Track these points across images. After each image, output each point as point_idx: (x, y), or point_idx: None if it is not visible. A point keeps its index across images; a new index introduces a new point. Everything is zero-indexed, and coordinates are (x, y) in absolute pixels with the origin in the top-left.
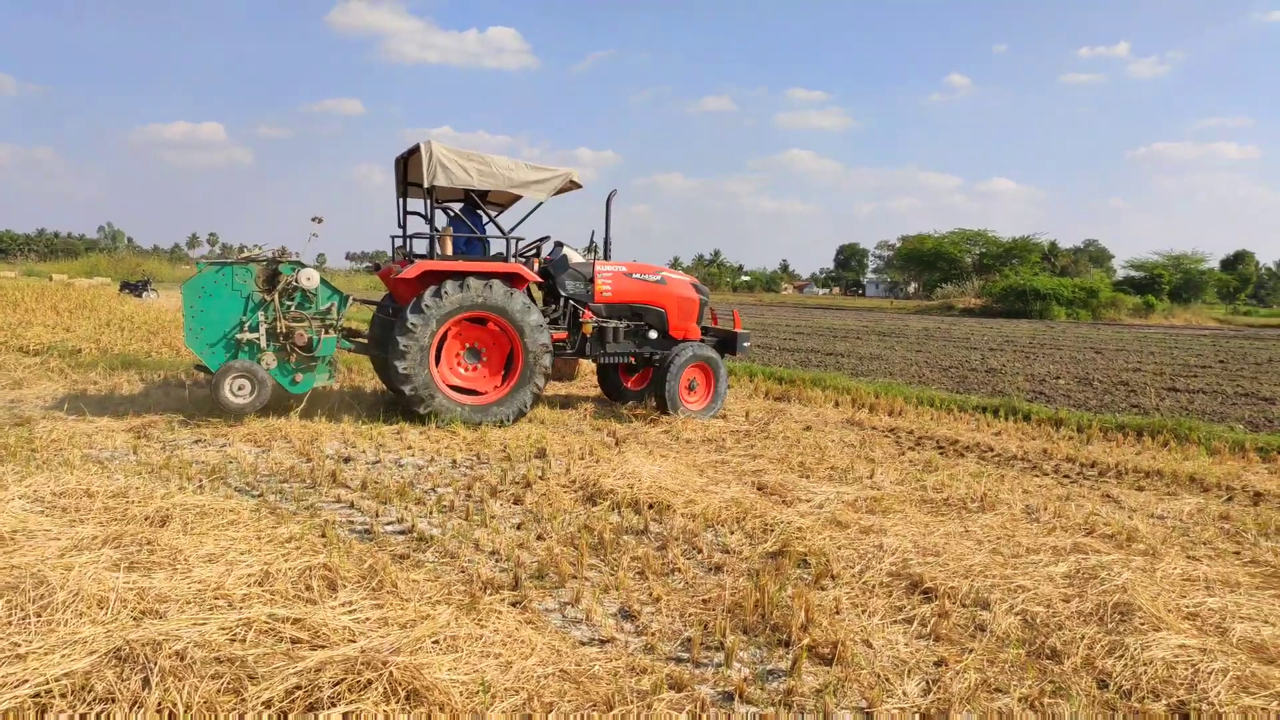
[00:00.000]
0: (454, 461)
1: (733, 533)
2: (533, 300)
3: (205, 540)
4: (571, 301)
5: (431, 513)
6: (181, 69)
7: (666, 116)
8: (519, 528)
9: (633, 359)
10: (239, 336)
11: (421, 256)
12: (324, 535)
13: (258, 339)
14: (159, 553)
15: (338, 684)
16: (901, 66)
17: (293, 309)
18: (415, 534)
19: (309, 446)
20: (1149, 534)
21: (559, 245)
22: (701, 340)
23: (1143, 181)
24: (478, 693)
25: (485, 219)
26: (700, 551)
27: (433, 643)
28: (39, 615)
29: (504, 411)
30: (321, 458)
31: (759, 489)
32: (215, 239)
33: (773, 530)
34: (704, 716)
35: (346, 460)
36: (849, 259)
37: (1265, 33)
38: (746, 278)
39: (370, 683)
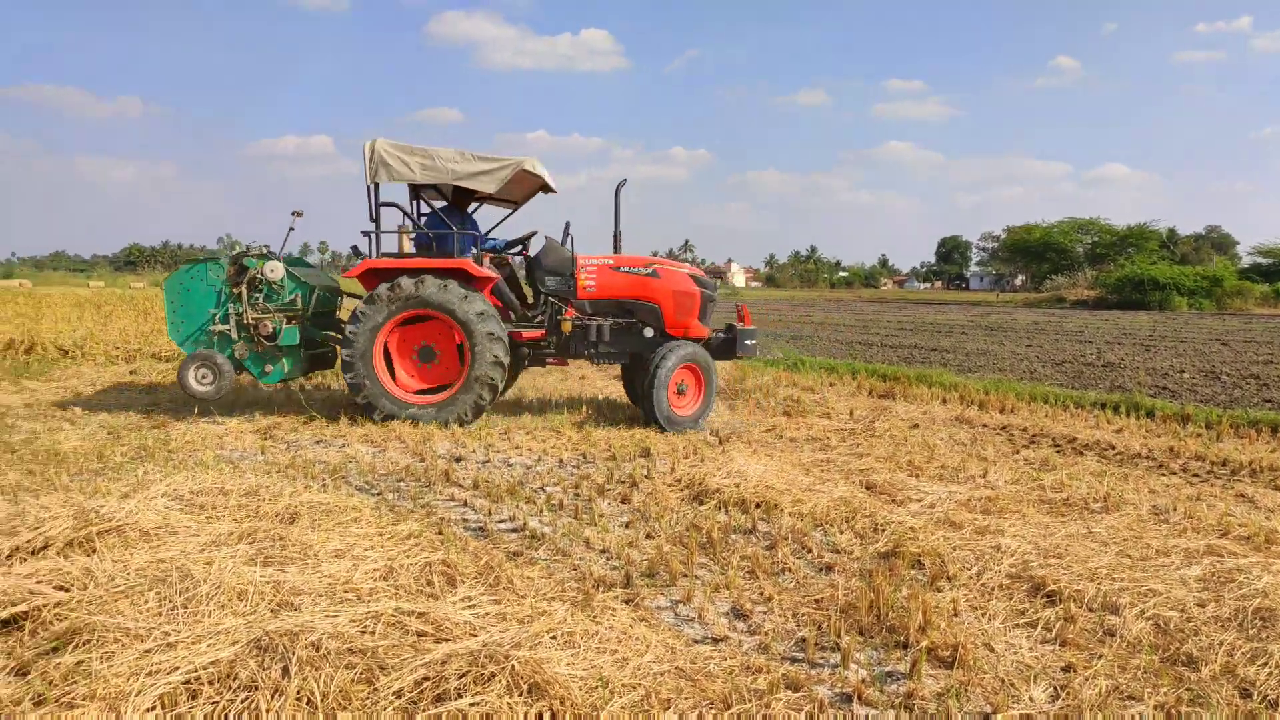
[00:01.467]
0: (560, 461)
1: (842, 532)
2: (523, 297)
3: (332, 536)
4: (552, 299)
5: (542, 511)
6: (291, 86)
7: (760, 112)
8: (627, 526)
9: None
10: (212, 329)
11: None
12: (441, 532)
13: (229, 330)
14: (290, 548)
15: (463, 676)
16: (1004, 52)
17: (260, 301)
18: (527, 532)
19: (422, 447)
20: None
21: (548, 240)
22: (706, 339)
23: (1269, 162)
24: (596, 688)
25: (458, 215)
26: (810, 551)
27: (550, 638)
28: (185, 606)
29: (457, 409)
30: (434, 457)
31: (867, 488)
32: (325, 246)
33: (884, 530)
34: (822, 717)
35: (458, 460)
36: (951, 252)
37: None
38: (844, 273)
39: (494, 676)
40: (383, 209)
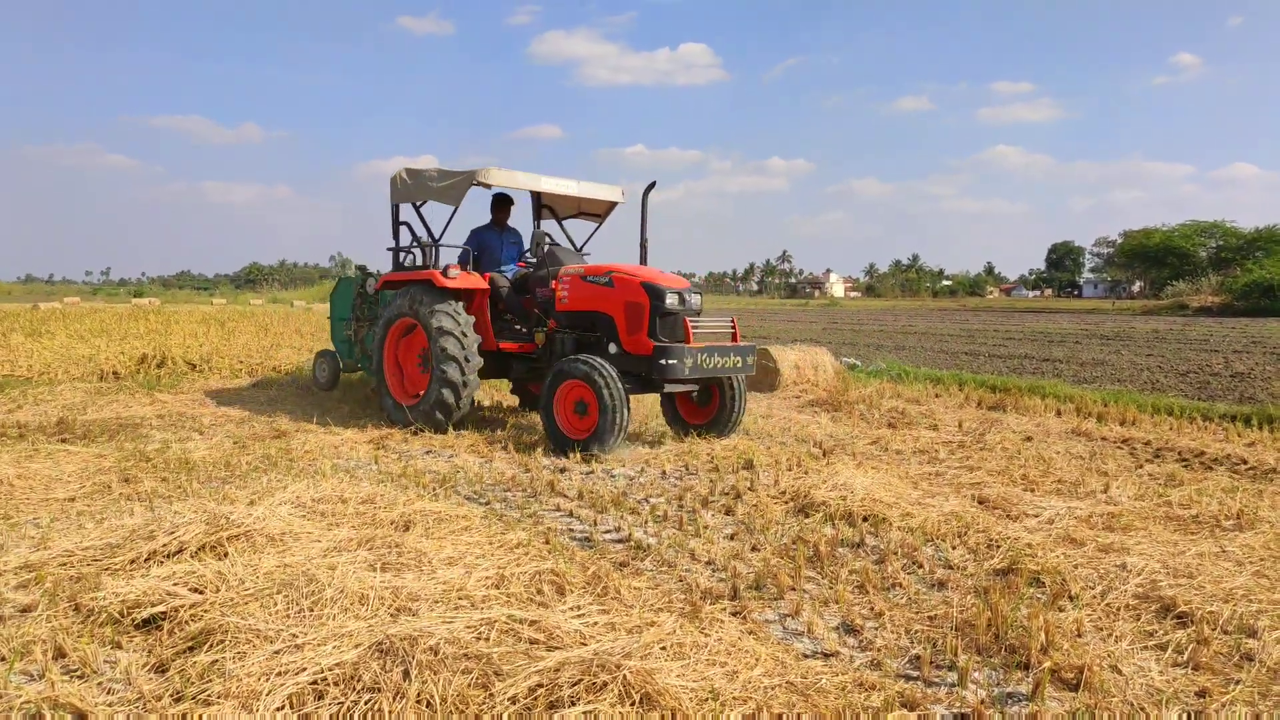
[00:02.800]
0: (663, 472)
1: (954, 548)
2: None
3: (444, 544)
4: (540, 311)
5: (646, 522)
6: (400, 108)
7: (860, 120)
8: (732, 538)
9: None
10: (347, 333)
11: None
12: (548, 542)
13: (351, 335)
14: (406, 555)
15: (575, 684)
16: (1119, 49)
17: (366, 312)
18: (632, 542)
19: (526, 458)
20: None
21: (551, 249)
22: (648, 356)
23: None
24: (708, 699)
25: (496, 231)
26: (921, 566)
27: (660, 649)
28: (311, 610)
29: (420, 414)
30: (539, 468)
31: (980, 502)
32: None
33: (999, 546)
34: None
35: (562, 471)
36: (1062, 258)
37: None
38: (948, 282)
39: (605, 684)
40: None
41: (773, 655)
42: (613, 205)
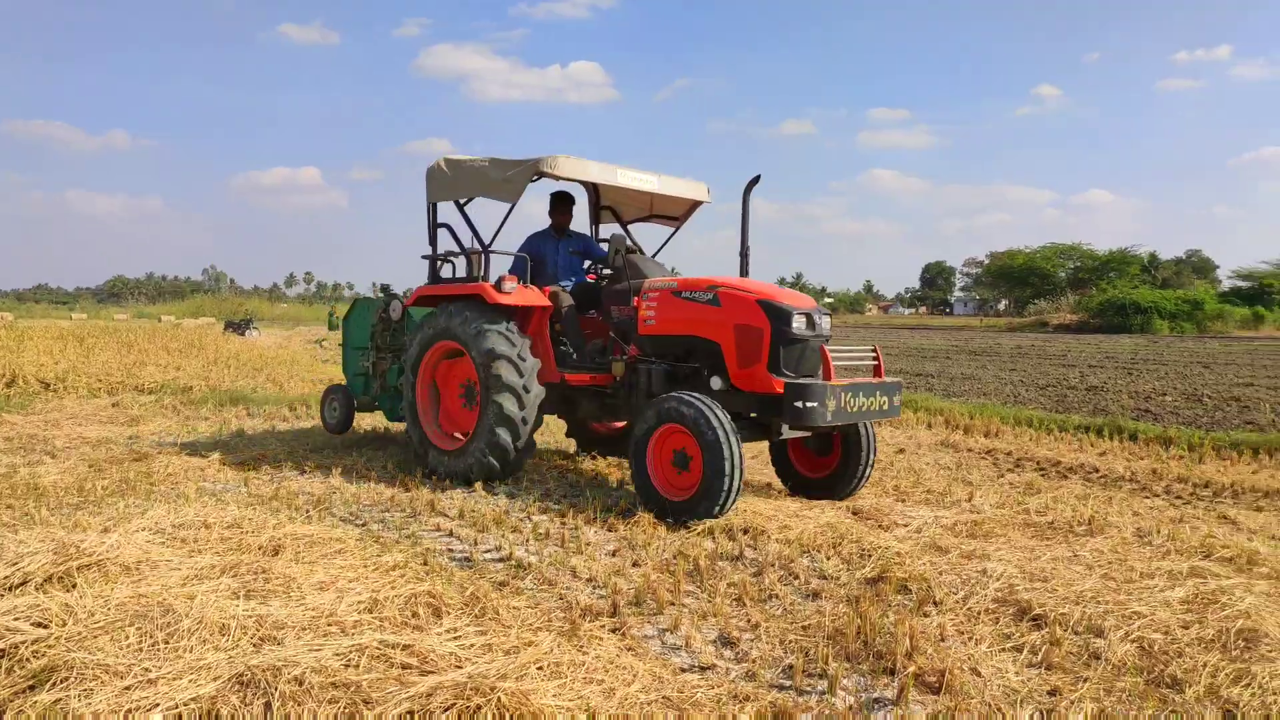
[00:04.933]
0: (547, 490)
1: (829, 558)
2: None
3: (316, 569)
4: (615, 334)
5: (528, 540)
6: (280, 118)
7: (747, 142)
8: (614, 554)
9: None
10: (364, 363)
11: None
12: (426, 563)
13: (368, 368)
14: (273, 581)
15: (449, 709)
16: (987, 80)
17: (388, 339)
18: (513, 561)
19: (406, 476)
20: (1271, 556)
21: (628, 258)
22: (770, 394)
23: (1249, 188)
24: (583, 718)
25: (552, 238)
26: (797, 577)
27: (537, 669)
28: (167, 642)
29: (464, 462)
30: (419, 487)
31: (854, 513)
32: (311, 278)
33: (870, 555)
34: None
35: (443, 490)
36: (935, 277)
37: None
38: (830, 299)
39: (480, 708)
40: (440, 230)
41: (650, 671)
42: (695, 206)
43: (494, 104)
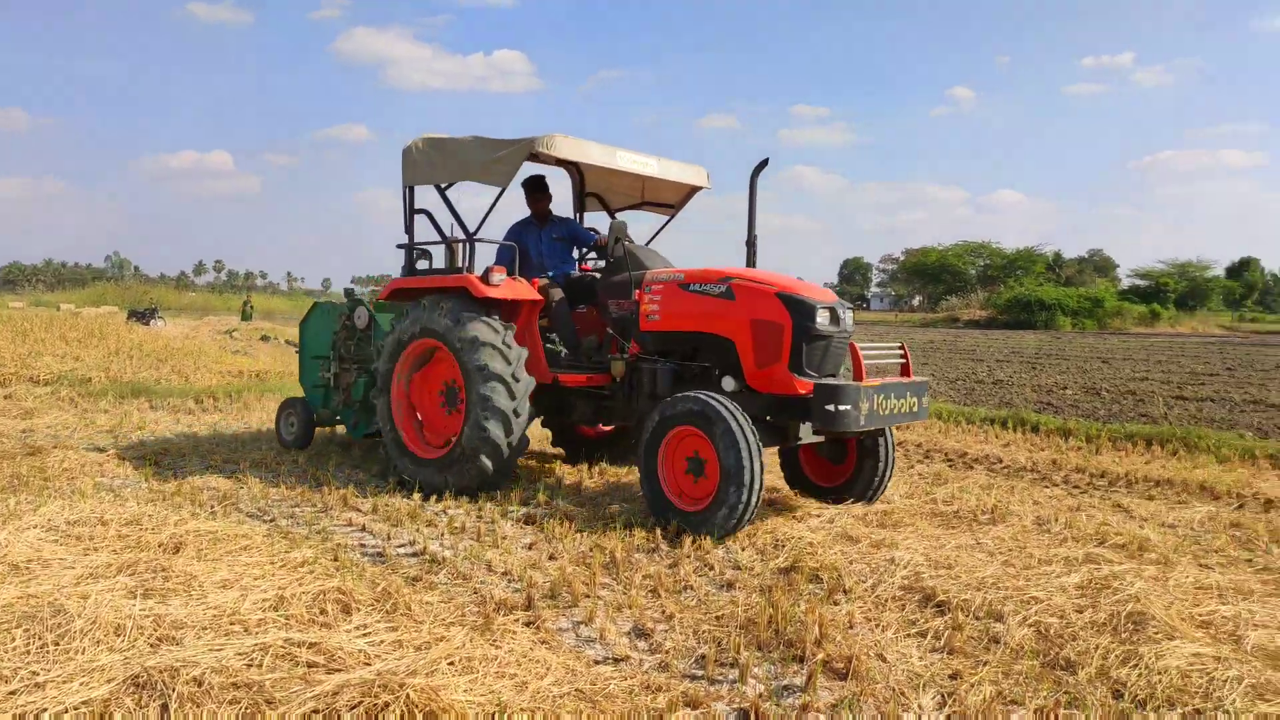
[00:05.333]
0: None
1: (744, 549)
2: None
3: (219, 566)
4: (613, 329)
5: (443, 534)
6: (189, 99)
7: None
8: (530, 548)
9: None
10: (323, 374)
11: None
12: (337, 559)
13: (329, 379)
14: (173, 580)
15: (355, 707)
16: (905, 80)
17: (352, 350)
18: (427, 556)
19: (318, 470)
20: (1161, 543)
21: (627, 247)
22: (794, 398)
23: (1148, 190)
24: (494, 714)
25: (535, 226)
26: (712, 568)
27: (448, 664)
28: (57, 644)
29: (453, 471)
30: (331, 481)
31: (769, 504)
32: (221, 266)
33: (784, 546)
34: None
35: (357, 484)
36: (853, 273)
37: (1268, 39)
38: None
39: (388, 705)
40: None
41: (564, 664)
42: (693, 192)
43: (415, 91)
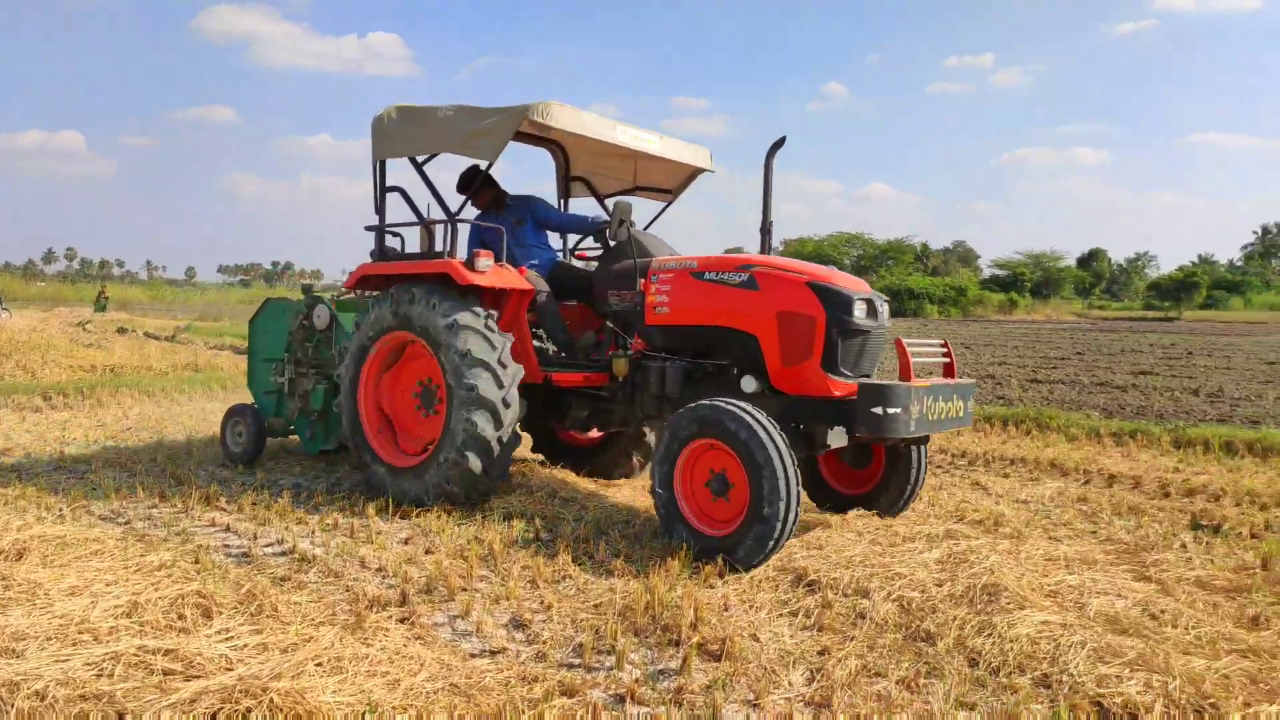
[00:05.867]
0: (338, 479)
1: (623, 536)
2: (547, 320)
3: (67, 573)
4: (613, 324)
5: (314, 532)
6: (34, 75)
7: None
8: (406, 543)
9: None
10: (276, 380)
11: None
12: (198, 561)
13: (282, 384)
14: (15, 588)
15: (214, 715)
16: (782, 75)
17: (310, 352)
18: (297, 555)
19: (179, 469)
20: (1014, 518)
21: (631, 231)
22: (829, 400)
23: (1008, 185)
24: (364, 713)
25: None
26: (592, 557)
27: (316, 665)
28: None
29: (426, 483)
30: (193, 479)
31: (650, 492)
32: (74, 254)
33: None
34: None
35: (222, 482)
36: None
37: (1116, 44)
38: None
39: (250, 710)
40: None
41: (439, 659)
42: (694, 175)
43: (283, 70)
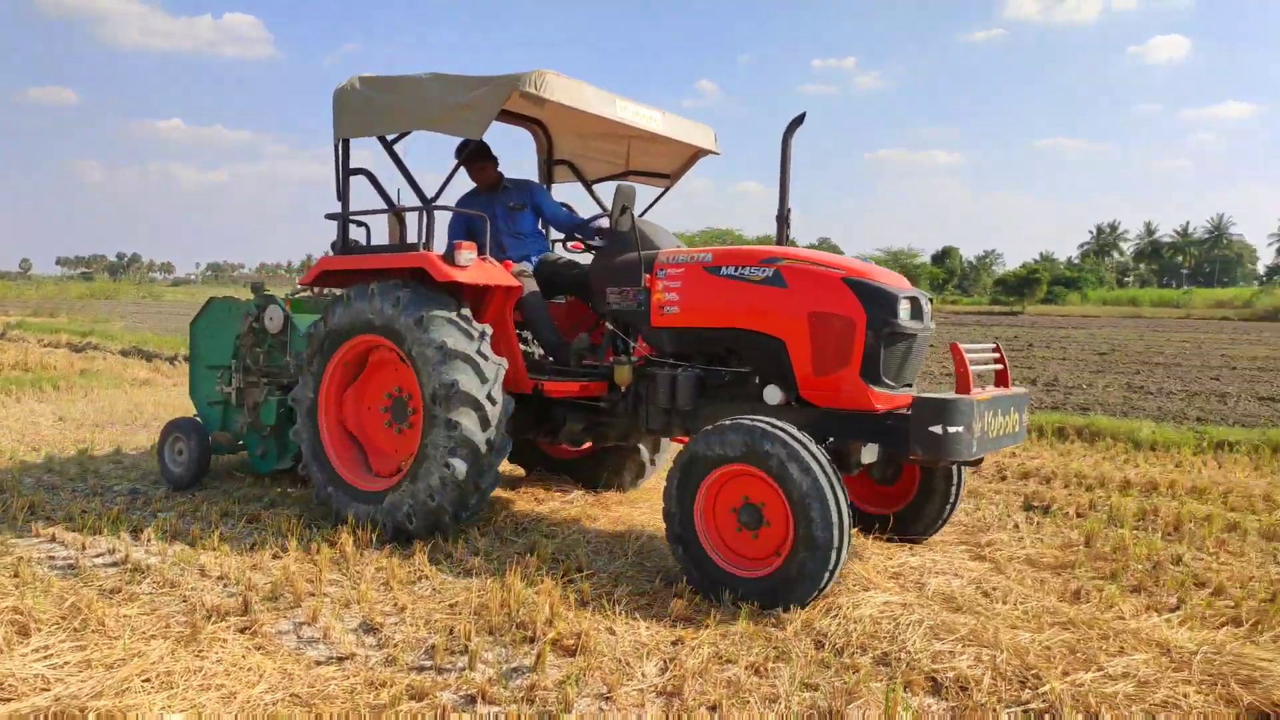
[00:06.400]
0: (273, 499)
1: (484, 534)
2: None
3: None
4: (613, 325)
5: (150, 540)
6: None
7: None
8: (253, 548)
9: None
10: (223, 391)
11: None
12: (17, 575)
13: (229, 394)
14: None
15: None
16: (655, 71)
17: (261, 358)
18: (130, 565)
19: (4, 476)
20: None
21: (624, 210)
22: (870, 415)
23: (870, 184)
24: None
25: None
26: (450, 556)
27: (143, 682)
28: None
29: (402, 508)
30: (17, 488)
31: (513, 488)
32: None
33: (526, 530)
34: None
35: (50, 489)
36: None
37: (968, 51)
38: None
39: None
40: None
41: (280, 668)
42: (695, 157)
43: (130, 50)
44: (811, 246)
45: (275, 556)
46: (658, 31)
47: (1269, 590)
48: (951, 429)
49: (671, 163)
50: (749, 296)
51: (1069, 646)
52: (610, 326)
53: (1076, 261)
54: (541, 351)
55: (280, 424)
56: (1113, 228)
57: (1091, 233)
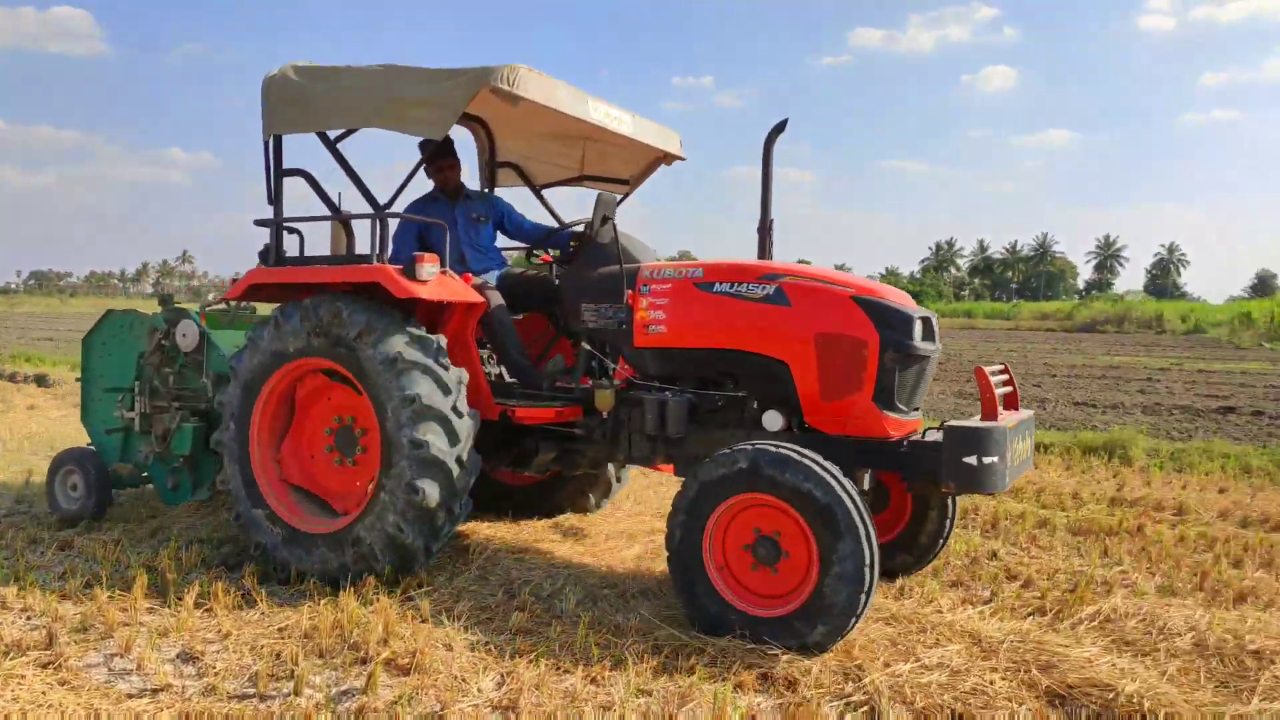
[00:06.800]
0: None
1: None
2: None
3: None
4: (589, 345)
5: None
6: None
7: None
8: (62, 577)
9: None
10: (124, 417)
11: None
12: None
13: (131, 420)
14: None
15: None
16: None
17: (171, 380)
18: None
19: None
20: None
21: (605, 221)
22: (884, 443)
23: (729, 198)
24: None
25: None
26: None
27: None
28: None
29: (359, 549)
30: None
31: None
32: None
33: None
34: None
35: None
36: None
37: (818, 75)
38: None
39: None
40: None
41: (87, 704)
42: (656, 162)
43: None
44: (672, 259)
45: (88, 585)
46: (514, 45)
47: (1071, 581)
48: (986, 460)
49: (632, 167)
50: (746, 315)
51: (890, 640)
52: (586, 346)
53: (918, 276)
54: (500, 371)
55: (195, 453)
56: (950, 244)
57: (931, 249)
